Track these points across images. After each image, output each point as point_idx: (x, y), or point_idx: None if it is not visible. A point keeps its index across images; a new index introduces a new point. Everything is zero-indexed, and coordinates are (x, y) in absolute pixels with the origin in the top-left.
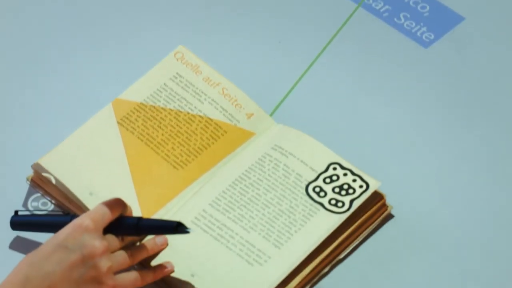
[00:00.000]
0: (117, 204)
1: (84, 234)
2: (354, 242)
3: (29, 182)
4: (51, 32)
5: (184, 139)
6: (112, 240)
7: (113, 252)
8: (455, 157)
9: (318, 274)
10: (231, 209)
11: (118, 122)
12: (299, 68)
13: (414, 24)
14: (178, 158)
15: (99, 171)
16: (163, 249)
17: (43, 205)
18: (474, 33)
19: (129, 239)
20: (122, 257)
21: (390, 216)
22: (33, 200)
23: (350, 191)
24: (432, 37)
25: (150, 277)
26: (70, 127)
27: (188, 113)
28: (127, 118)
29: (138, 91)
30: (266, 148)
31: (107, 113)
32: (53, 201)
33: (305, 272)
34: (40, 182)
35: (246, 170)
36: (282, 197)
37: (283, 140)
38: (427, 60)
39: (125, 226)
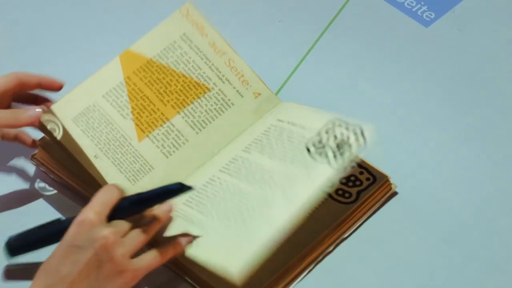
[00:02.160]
0: (113, 190)
1: (90, 229)
2: (358, 221)
3: (34, 161)
4: None
5: (190, 110)
6: (120, 224)
7: (124, 235)
8: (456, 137)
9: (322, 253)
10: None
11: (126, 81)
12: (300, 48)
13: (415, 3)
14: (182, 133)
15: (105, 135)
16: (170, 215)
17: (50, 186)
18: (475, 11)
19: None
20: (134, 238)
21: (393, 194)
22: (39, 182)
23: (357, 182)
24: (433, 16)
25: (170, 252)
26: None
27: (197, 82)
28: (133, 78)
29: (147, 46)
30: (273, 120)
31: (114, 68)
32: (55, 178)
33: (310, 254)
34: (43, 160)
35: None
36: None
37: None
38: (428, 39)
39: (128, 207)
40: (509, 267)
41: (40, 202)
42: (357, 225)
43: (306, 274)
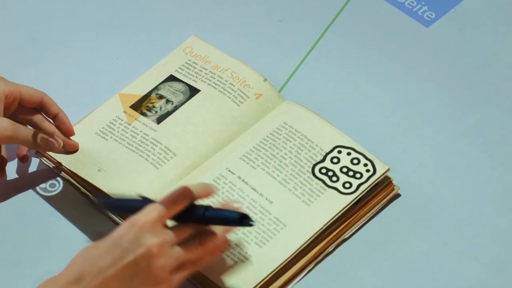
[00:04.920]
0: (181, 196)
1: (139, 233)
2: (359, 222)
3: (38, 154)
4: (56, 23)
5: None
6: (178, 231)
7: (178, 243)
8: (457, 137)
9: (322, 253)
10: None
11: (125, 111)
12: (301, 48)
13: (415, 3)
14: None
15: (107, 155)
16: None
17: (50, 187)
18: (476, 11)
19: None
20: (181, 254)
21: (396, 196)
22: (42, 180)
23: (358, 175)
24: (434, 16)
25: (204, 263)
26: (74, 116)
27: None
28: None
29: (143, 85)
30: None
31: (114, 104)
32: (58, 172)
33: (311, 253)
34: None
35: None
36: (291, 176)
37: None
38: (428, 39)
39: (192, 215)
40: (509, 267)
41: (42, 199)
42: (358, 226)
43: (306, 274)
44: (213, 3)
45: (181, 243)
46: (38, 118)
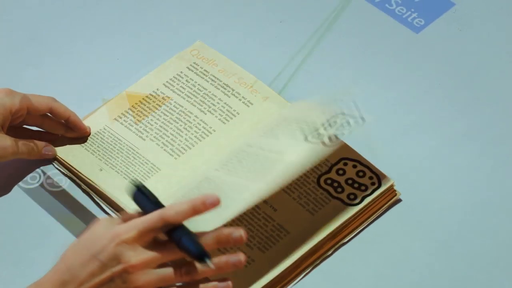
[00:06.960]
0: (182, 213)
1: (118, 250)
2: (360, 226)
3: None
4: (66, 26)
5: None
6: (150, 254)
7: (152, 265)
8: (457, 137)
9: (320, 257)
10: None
11: (115, 119)
12: (301, 49)
13: (405, 10)
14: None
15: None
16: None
17: (57, 183)
18: (465, 18)
19: None
20: (159, 275)
21: (396, 201)
22: (47, 178)
23: (363, 188)
24: (423, 22)
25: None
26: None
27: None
28: (124, 115)
29: (148, 84)
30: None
31: (103, 113)
32: (63, 170)
33: (309, 258)
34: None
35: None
36: (296, 185)
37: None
38: (418, 45)
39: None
40: (509, 267)
41: (47, 196)
42: (358, 230)
43: (303, 277)
44: (214, 4)
45: (168, 265)
46: (46, 123)
